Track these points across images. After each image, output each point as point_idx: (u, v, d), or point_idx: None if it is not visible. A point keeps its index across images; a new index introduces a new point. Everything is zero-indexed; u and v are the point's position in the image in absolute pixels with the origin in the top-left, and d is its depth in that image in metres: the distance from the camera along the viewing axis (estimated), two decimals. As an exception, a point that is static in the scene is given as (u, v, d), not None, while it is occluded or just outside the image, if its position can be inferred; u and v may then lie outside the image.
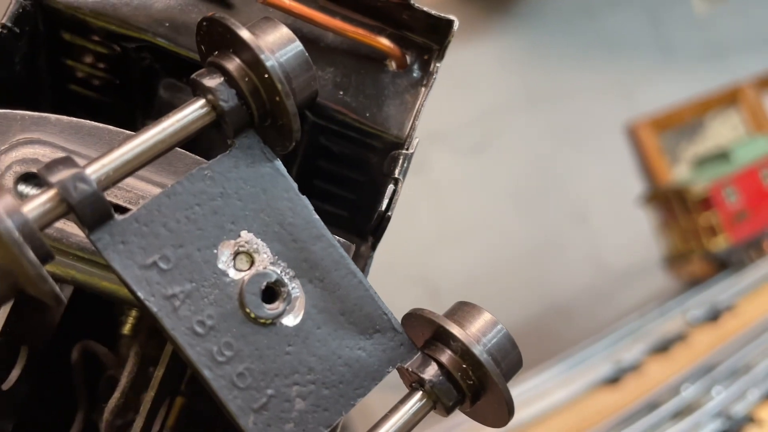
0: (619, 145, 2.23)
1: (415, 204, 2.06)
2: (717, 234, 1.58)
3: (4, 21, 0.48)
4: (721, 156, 1.69)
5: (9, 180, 0.41)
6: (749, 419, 1.21)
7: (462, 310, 0.40)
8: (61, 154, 0.37)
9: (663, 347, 1.55)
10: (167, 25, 0.50)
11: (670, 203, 1.60)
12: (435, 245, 2.05)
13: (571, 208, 2.15)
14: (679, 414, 1.29)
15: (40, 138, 0.43)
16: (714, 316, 1.58)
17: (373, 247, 0.56)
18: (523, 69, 2.22)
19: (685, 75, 2.33)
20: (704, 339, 1.52)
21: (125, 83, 0.57)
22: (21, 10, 0.49)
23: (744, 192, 1.62)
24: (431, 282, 2.06)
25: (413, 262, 2.00)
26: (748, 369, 1.32)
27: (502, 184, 2.18)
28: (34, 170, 0.41)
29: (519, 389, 1.47)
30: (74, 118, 0.43)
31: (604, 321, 1.95)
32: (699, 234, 1.59)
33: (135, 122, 0.59)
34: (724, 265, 1.62)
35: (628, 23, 2.34)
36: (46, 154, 0.42)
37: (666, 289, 1.82)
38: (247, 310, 0.36)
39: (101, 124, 0.43)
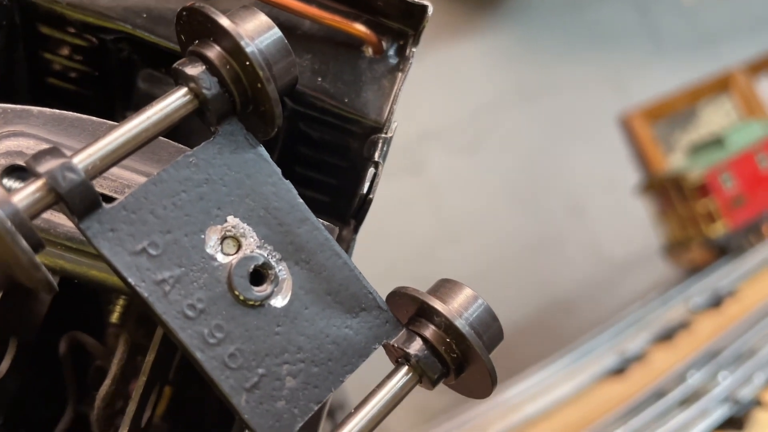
0: (612, 136, 2.22)
1: (412, 204, 2.05)
2: (715, 220, 1.57)
3: None
4: (716, 142, 1.68)
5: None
6: (756, 402, 1.20)
7: (444, 287, 0.41)
8: (46, 146, 0.37)
9: (667, 335, 1.54)
10: (145, 15, 0.50)
11: (666, 192, 1.59)
12: (434, 244, 2.04)
13: (567, 201, 2.14)
14: (686, 401, 1.28)
15: (23, 131, 0.43)
16: (716, 302, 1.57)
17: (356, 230, 0.58)
18: (513, 65, 2.21)
19: (675, 64, 2.33)
20: (707, 325, 1.51)
21: (103, 75, 0.57)
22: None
23: (740, 177, 1.61)
24: (432, 281, 2.03)
25: (413, 262, 1.99)
26: (752, 353, 1.31)
27: (498, 181, 2.17)
28: (20, 163, 0.41)
29: (524, 384, 1.46)
30: (57, 110, 0.44)
31: (607, 312, 1.94)
32: (697, 221, 1.58)
33: (114, 114, 0.59)
34: (723, 251, 1.61)
35: (617, 15, 2.34)
36: (30, 146, 0.42)
37: (667, 278, 1.81)
38: (236, 293, 0.37)
39: (84, 116, 0.44)
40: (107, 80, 0.57)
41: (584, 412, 1.38)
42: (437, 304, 0.39)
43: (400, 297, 0.40)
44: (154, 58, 0.54)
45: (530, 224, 2.10)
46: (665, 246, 1.61)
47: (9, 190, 0.35)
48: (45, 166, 0.33)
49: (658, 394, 1.32)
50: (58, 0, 0.49)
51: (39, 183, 0.33)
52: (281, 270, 0.39)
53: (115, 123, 0.39)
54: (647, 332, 1.56)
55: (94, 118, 0.44)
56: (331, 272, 0.41)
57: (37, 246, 0.33)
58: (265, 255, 0.39)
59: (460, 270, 2.05)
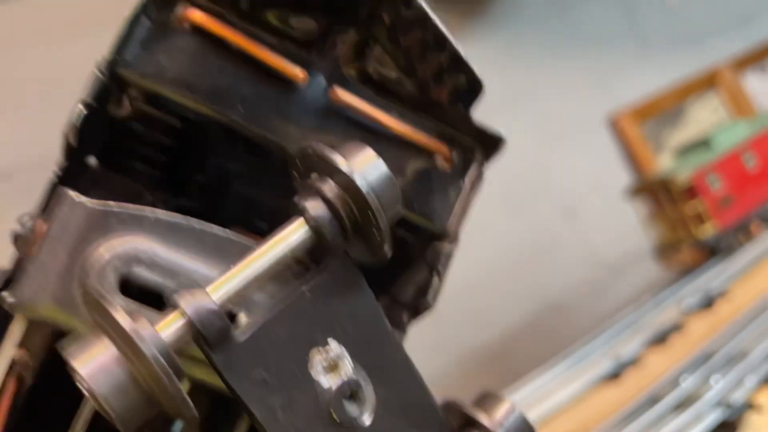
0: (602, 137, 2.23)
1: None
2: (704, 221, 1.59)
3: (88, 100, 0.49)
4: (703, 143, 1.69)
5: (111, 277, 0.44)
6: (748, 406, 1.21)
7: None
8: (161, 254, 0.43)
9: (660, 338, 1.55)
10: (241, 106, 0.52)
11: (656, 194, 1.60)
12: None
13: (559, 204, 2.15)
14: (680, 406, 1.29)
15: (138, 235, 0.46)
16: (708, 303, 1.58)
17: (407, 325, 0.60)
18: (501, 69, 2.21)
19: (661, 62, 2.33)
20: (700, 327, 1.52)
21: (178, 153, 0.58)
22: (101, 86, 0.50)
23: (727, 177, 1.62)
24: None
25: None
26: (744, 355, 1.32)
27: (490, 186, 2.16)
28: (135, 269, 0.44)
29: (521, 393, 1.47)
30: (168, 214, 0.47)
31: (601, 315, 1.95)
32: (687, 223, 1.59)
33: (164, 192, 0.60)
34: (713, 251, 1.62)
35: (602, 16, 2.35)
36: (145, 251, 0.45)
37: (660, 280, 1.82)
38: (334, 415, 0.41)
39: (194, 224, 0.47)
40: (179, 158, 0.59)
41: (582, 418, 1.39)
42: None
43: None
44: (233, 142, 0.55)
45: (522, 228, 2.11)
46: (656, 248, 1.63)
47: (133, 311, 0.37)
48: (190, 306, 0.36)
49: (653, 400, 1.33)
50: (158, 81, 0.50)
51: (183, 321, 0.36)
52: (368, 390, 0.43)
53: (226, 234, 0.45)
54: (641, 335, 1.57)
55: (204, 226, 0.47)
56: (406, 389, 0.44)
57: (180, 378, 0.36)
58: (359, 377, 0.42)
59: (454, 275, 2.06)
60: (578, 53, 2.25)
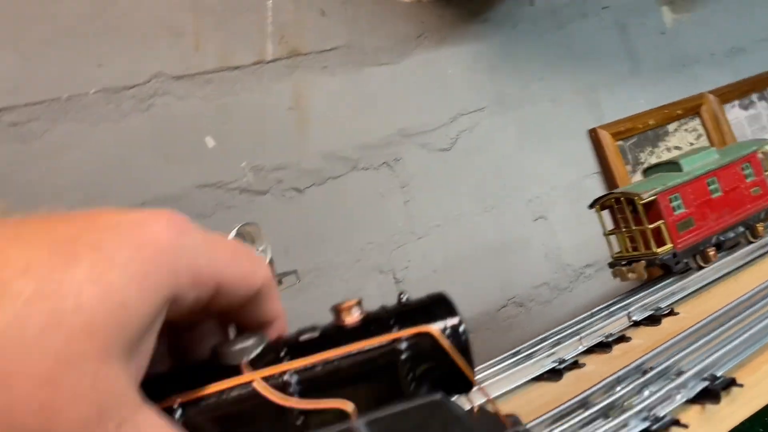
0: (582, 149, 2.21)
1: (385, 198, 2.04)
2: (664, 240, 1.56)
3: None
4: (672, 164, 1.66)
5: None
6: (675, 422, 1.18)
7: None
8: None
9: (606, 345, 1.53)
10: None
11: (621, 207, 1.57)
12: (403, 237, 2.03)
13: (533, 207, 2.12)
14: (610, 412, 1.26)
15: None
16: (656, 319, 1.56)
17: None
18: (494, 74, 2.19)
19: (650, 84, 2.30)
20: (644, 340, 1.50)
21: None
22: None
23: (691, 201, 1.59)
24: (398, 272, 2.03)
25: (382, 253, 1.98)
26: (679, 373, 1.30)
27: (469, 182, 2.15)
28: None
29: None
30: None
31: (557, 316, 1.93)
32: (647, 239, 1.56)
33: None
34: (668, 270, 1.59)
35: (597, 34, 2.31)
36: None
37: (615, 290, 1.80)
38: None
39: None
40: None
41: (518, 413, 1.37)
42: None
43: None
44: None
45: (495, 226, 2.09)
46: (613, 260, 1.60)
47: None
48: None
49: (586, 403, 1.31)
50: None
51: None
52: None
53: None
54: (588, 340, 1.55)
55: None
56: None
57: None
58: None
59: (425, 262, 2.04)
60: (570, 65, 2.22)
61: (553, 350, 1.54)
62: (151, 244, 0.48)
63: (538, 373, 1.47)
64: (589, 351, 1.55)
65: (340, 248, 1.85)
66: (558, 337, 1.58)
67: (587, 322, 1.61)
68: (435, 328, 0.75)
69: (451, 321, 0.85)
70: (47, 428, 0.43)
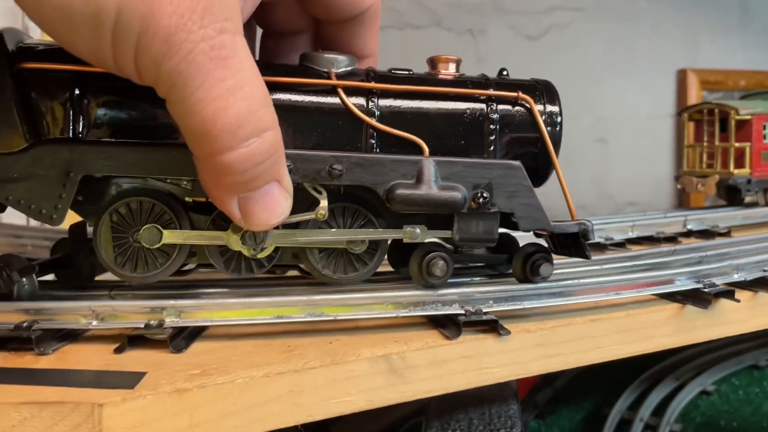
0: (666, 87, 2.15)
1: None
2: (743, 164, 1.51)
3: None
4: (768, 95, 1.61)
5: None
6: (728, 293, 1.13)
7: None
8: None
9: (655, 240, 1.49)
10: None
11: (711, 120, 1.52)
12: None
13: (598, 127, 2.07)
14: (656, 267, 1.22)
15: None
16: (709, 233, 1.51)
17: None
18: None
19: (754, 44, 2.23)
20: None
21: None
22: None
23: (782, 133, 1.54)
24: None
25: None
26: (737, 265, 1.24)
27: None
28: None
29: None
30: None
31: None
32: (727, 158, 1.51)
33: None
34: (736, 196, 1.54)
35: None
36: None
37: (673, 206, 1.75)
38: None
39: None
40: None
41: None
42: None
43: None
44: None
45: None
46: (680, 173, 1.55)
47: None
48: None
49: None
50: None
51: None
52: None
53: None
54: (637, 231, 1.50)
55: None
56: None
57: None
58: None
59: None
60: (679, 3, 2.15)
61: (602, 227, 1.49)
62: None
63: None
64: (636, 242, 1.50)
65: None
66: (610, 219, 1.54)
67: (641, 215, 1.56)
68: (534, 102, 0.73)
69: (551, 107, 0.79)
70: (150, 12, 0.43)
